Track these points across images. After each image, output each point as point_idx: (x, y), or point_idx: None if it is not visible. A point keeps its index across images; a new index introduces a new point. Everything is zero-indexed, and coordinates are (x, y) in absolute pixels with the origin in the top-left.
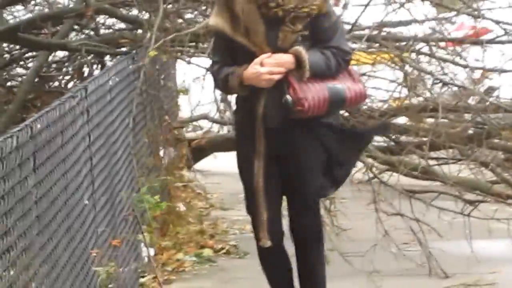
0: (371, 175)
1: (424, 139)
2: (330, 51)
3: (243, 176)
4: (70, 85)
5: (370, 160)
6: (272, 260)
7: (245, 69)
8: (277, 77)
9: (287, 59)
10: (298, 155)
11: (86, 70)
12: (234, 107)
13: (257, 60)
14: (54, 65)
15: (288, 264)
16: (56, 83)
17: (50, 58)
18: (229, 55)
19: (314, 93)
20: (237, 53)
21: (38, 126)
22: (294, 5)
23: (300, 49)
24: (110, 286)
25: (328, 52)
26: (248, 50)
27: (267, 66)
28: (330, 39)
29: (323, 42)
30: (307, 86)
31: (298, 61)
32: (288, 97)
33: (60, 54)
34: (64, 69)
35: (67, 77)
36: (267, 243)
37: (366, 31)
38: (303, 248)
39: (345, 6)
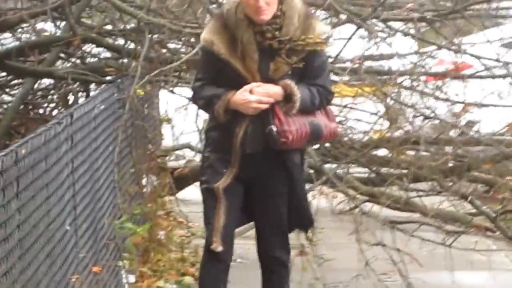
0: (352, 205)
1: (405, 171)
2: (316, 89)
3: (209, 185)
4: (54, 112)
5: (352, 191)
6: (212, 271)
7: (233, 95)
8: (264, 106)
9: (276, 90)
10: (267, 183)
11: (71, 98)
12: (208, 121)
13: (247, 87)
14: (39, 93)
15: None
16: (41, 111)
17: (36, 85)
18: (214, 74)
19: (298, 126)
20: (222, 75)
21: (23, 151)
22: (290, 37)
23: (291, 83)
24: None
25: (314, 89)
26: (239, 75)
27: (256, 95)
28: (318, 77)
29: (311, 79)
30: (291, 119)
31: (287, 94)
32: (273, 127)
33: (46, 81)
34: (49, 97)
35: (52, 105)
36: (219, 247)
37: (348, 64)
38: (269, 274)
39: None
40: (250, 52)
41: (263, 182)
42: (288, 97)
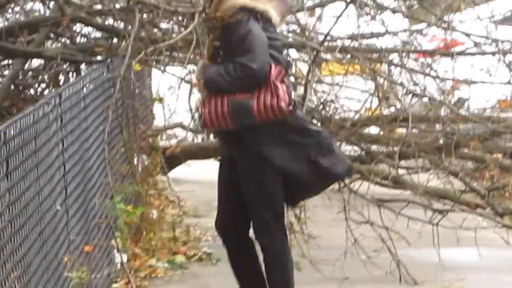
0: (341, 184)
1: (395, 148)
2: (233, 66)
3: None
4: (46, 93)
5: None
6: (229, 250)
7: None
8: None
9: (196, 74)
10: (235, 164)
11: (61, 78)
12: None
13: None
14: (30, 73)
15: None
16: (32, 91)
17: (26, 66)
18: None
19: (213, 107)
20: None
21: (12, 132)
22: (208, 15)
23: (200, 65)
24: None
25: (230, 67)
26: None
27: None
28: (236, 53)
29: (232, 55)
30: (209, 100)
31: None
32: (199, 110)
33: (36, 62)
34: (40, 77)
35: (43, 85)
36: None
37: (339, 42)
38: (265, 264)
39: (319, 18)
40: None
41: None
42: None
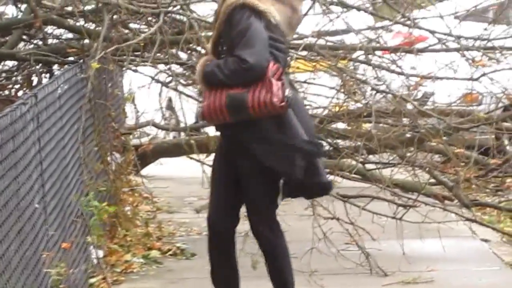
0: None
1: (361, 144)
2: (231, 60)
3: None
4: (20, 93)
5: None
6: (216, 244)
7: None
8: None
9: (199, 69)
10: (237, 168)
11: (35, 79)
12: None
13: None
14: (4, 74)
15: (230, 256)
16: (6, 92)
17: (0, 67)
18: None
19: (211, 101)
20: None
21: None
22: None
23: (202, 59)
24: (61, 286)
25: (229, 61)
26: None
27: None
28: (235, 47)
29: (232, 50)
30: (208, 93)
31: None
32: (199, 106)
33: (10, 63)
34: (14, 78)
35: (17, 86)
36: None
37: (305, 40)
38: (264, 255)
39: None
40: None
41: (234, 160)
42: None
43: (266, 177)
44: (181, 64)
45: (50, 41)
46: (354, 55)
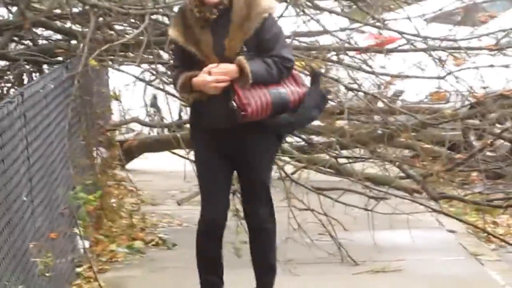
0: (283, 174)
1: (334, 139)
2: (272, 59)
3: (199, 169)
4: (11, 92)
5: (281, 162)
6: (208, 241)
7: (193, 76)
8: (223, 85)
9: (231, 68)
10: (245, 154)
11: (25, 78)
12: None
13: (205, 69)
14: None
15: (216, 252)
16: None
17: None
18: (184, 61)
19: (257, 98)
20: (190, 61)
21: None
22: (239, 15)
23: (243, 59)
24: (48, 275)
25: (269, 60)
26: (199, 59)
27: (214, 75)
28: (273, 49)
29: (267, 51)
30: (250, 92)
31: (241, 69)
32: (233, 103)
33: (1, 63)
34: (5, 77)
35: (8, 85)
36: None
37: None
38: (253, 235)
39: None
40: (203, 36)
41: (242, 155)
42: (242, 72)
43: (274, 154)
44: (163, 64)
45: (39, 42)
46: (328, 56)
